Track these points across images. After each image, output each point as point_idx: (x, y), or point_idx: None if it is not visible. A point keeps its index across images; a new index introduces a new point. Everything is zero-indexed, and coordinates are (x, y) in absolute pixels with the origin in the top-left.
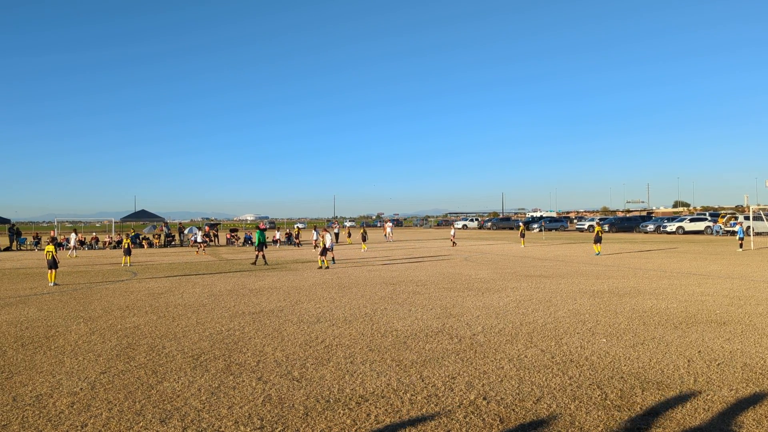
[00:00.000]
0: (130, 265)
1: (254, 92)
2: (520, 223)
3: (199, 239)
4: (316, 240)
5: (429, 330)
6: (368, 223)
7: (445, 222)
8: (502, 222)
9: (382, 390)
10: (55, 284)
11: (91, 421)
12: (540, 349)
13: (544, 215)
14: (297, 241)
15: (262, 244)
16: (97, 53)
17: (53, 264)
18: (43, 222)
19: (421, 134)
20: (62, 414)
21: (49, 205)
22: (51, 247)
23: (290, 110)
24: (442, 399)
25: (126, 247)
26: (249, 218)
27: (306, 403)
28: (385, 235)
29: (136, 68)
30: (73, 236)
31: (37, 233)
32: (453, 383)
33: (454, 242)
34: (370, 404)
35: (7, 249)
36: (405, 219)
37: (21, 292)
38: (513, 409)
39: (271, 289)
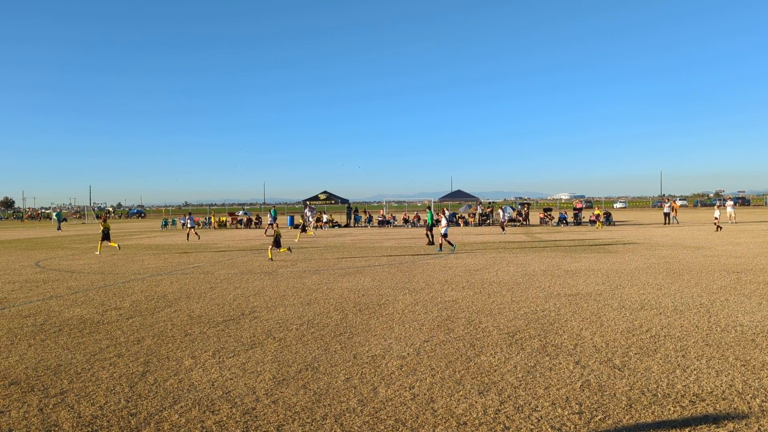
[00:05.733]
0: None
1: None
2: None
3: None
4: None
5: None
6: (704, 203)
7: None
8: None
9: (723, 391)
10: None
11: (417, 384)
12: None
13: None
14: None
15: (431, 226)
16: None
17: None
18: (374, 202)
19: None
20: (393, 375)
21: (378, 186)
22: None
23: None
24: None
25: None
26: (563, 197)
27: (629, 394)
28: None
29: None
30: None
31: (368, 212)
32: None
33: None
34: (707, 405)
35: (346, 225)
36: (756, 197)
37: (357, 263)
38: None
39: (588, 272)
